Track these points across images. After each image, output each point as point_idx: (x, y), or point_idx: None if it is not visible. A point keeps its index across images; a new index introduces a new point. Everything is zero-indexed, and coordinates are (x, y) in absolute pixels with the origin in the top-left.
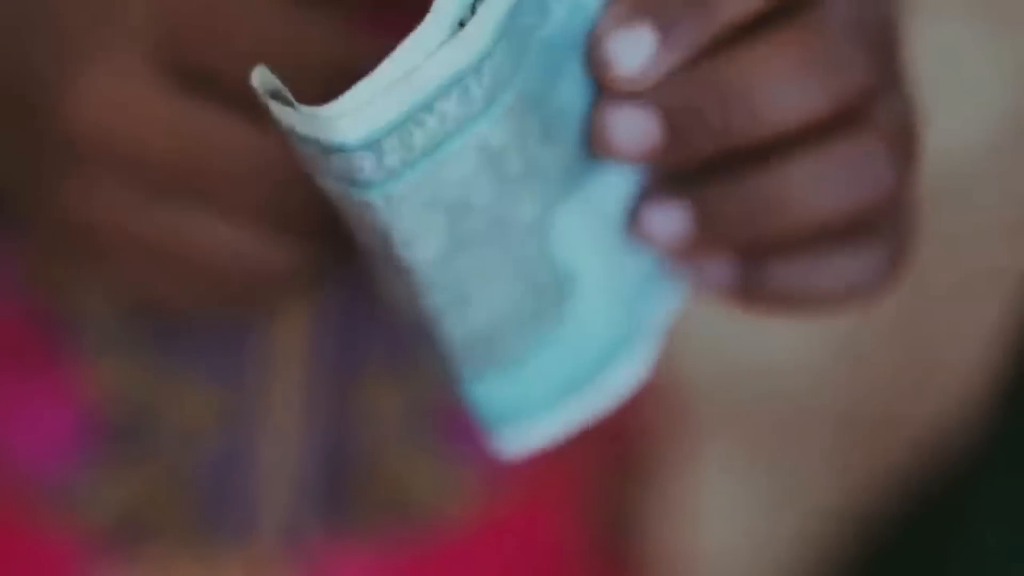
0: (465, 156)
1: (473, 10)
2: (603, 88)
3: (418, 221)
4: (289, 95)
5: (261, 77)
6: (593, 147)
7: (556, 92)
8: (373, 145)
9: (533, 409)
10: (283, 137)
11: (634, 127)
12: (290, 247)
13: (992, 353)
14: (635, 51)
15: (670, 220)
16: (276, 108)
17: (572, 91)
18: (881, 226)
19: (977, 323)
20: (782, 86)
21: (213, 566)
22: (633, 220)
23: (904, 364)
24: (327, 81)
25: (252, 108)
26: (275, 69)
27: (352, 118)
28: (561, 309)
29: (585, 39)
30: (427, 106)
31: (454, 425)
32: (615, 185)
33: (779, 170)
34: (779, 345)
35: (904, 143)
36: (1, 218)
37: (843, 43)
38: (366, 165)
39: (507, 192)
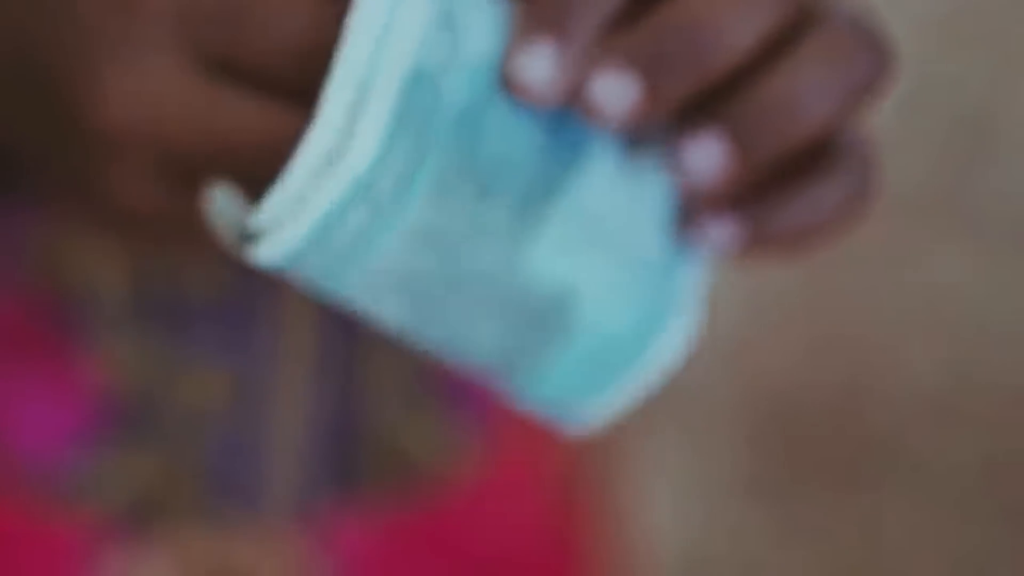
0: (396, 244)
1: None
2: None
3: (372, 302)
4: (234, 209)
5: (217, 198)
6: (586, 118)
7: (484, 147)
8: (295, 261)
9: (585, 396)
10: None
11: (614, 90)
12: None
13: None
14: (541, 69)
15: (711, 153)
16: (213, 219)
17: (504, 134)
18: (851, 152)
19: (879, 296)
20: (732, 8)
21: (225, 543)
22: (674, 169)
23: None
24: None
25: (277, 89)
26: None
27: (268, 245)
28: (567, 321)
29: (497, 87)
30: (338, 217)
31: (456, 388)
32: (592, 183)
33: (767, 84)
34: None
35: (866, 36)
36: (6, 205)
37: None
38: (297, 275)
39: (454, 256)
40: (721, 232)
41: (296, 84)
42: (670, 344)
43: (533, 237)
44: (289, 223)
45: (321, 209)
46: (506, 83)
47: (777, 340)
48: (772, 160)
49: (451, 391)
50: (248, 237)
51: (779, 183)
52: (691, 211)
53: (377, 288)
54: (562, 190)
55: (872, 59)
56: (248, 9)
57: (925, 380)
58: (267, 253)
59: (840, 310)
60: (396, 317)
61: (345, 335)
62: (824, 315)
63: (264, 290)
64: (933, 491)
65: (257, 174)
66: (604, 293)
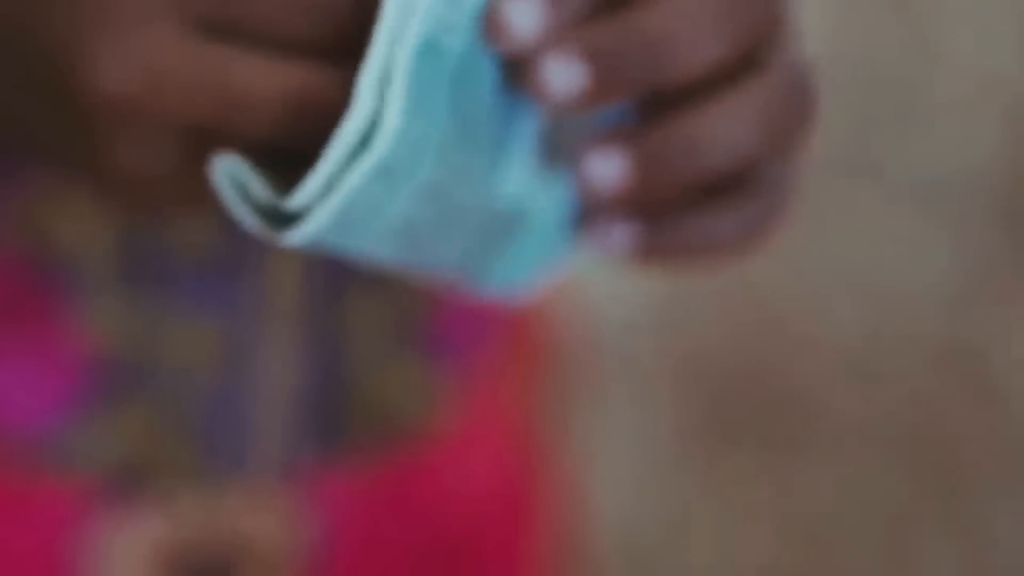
0: (403, 203)
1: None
2: (505, 54)
3: (368, 249)
4: (250, 185)
5: (224, 168)
6: (531, 94)
7: (471, 98)
8: (317, 239)
9: (524, 276)
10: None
11: (562, 75)
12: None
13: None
14: (526, 17)
15: (611, 168)
16: (232, 201)
17: (483, 82)
18: (767, 179)
19: (801, 260)
20: (694, 30)
21: (213, 502)
22: (581, 168)
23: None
24: (345, 28)
25: (278, 47)
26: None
27: (297, 231)
28: (520, 226)
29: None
30: (360, 194)
31: (436, 341)
32: (532, 120)
33: (695, 113)
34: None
35: (799, 92)
36: None
37: None
38: (315, 245)
39: (447, 201)
40: (616, 237)
41: (298, 38)
42: (572, 239)
43: (503, 171)
44: (318, 208)
45: (348, 191)
46: (489, 26)
47: (702, 304)
48: (674, 187)
49: (431, 344)
50: (271, 217)
51: (681, 202)
52: (592, 212)
53: (377, 238)
54: (517, 125)
55: (797, 114)
56: None
57: (846, 341)
58: (294, 237)
59: (763, 274)
60: (388, 255)
61: (329, 290)
62: (747, 279)
63: (248, 247)
64: (857, 450)
65: (264, 132)
66: (541, 203)
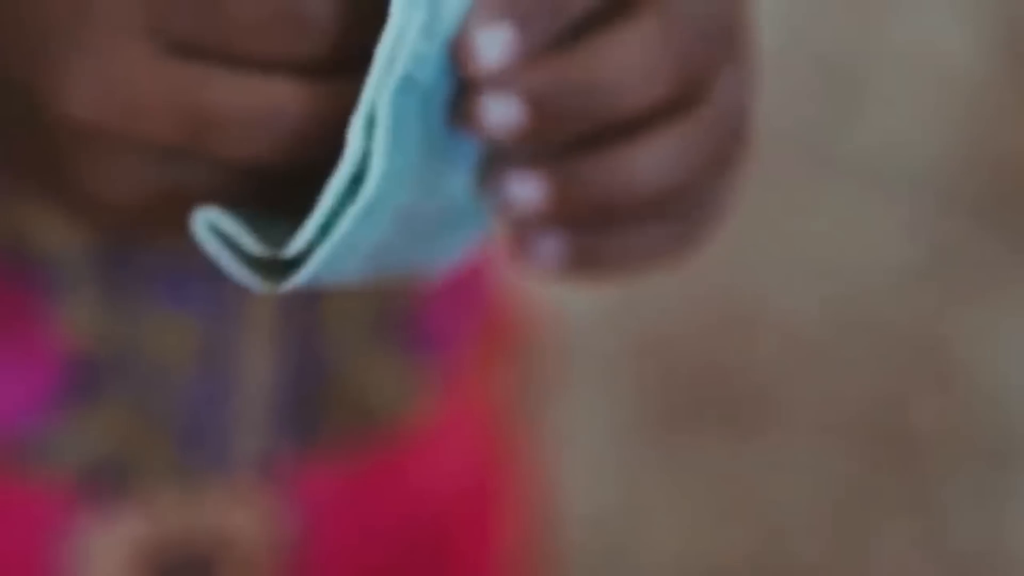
0: (379, 231)
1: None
2: (471, 79)
3: (343, 276)
4: (237, 237)
5: (206, 221)
6: (466, 128)
7: (436, 119)
8: (308, 280)
9: (452, 256)
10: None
11: (502, 111)
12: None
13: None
14: (495, 46)
15: (529, 189)
16: (218, 254)
17: (442, 101)
18: (696, 201)
19: (755, 243)
20: (638, 76)
21: (194, 499)
22: (492, 185)
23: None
24: (321, 38)
25: (249, 64)
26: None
27: (290, 282)
28: (458, 214)
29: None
30: (350, 235)
31: (413, 333)
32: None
33: (628, 148)
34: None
35: (736, 126)
36: None
37: (681, 35)
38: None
39: (414, 219)
40: (548, 249)
41: (274, 55)
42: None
43: (452, 174)
44: (313, 256)
45: (340, 235)
46: (459, 52)
47: (656, 289)
48: (597, 212)
49: (409, 338)
50: (261, 267)
51: (606, 223)
52: (517, 228)
53: (352, 267)
54: (453, 137)
55: (725, 154)
56: None
57: (802, 325)
58: (287, 286)
59: (717, 257)
60: (357, 276)
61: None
62: (702, 263)
63: None
64: (815, 435)
65: (242, 152)
66: (464, 201)
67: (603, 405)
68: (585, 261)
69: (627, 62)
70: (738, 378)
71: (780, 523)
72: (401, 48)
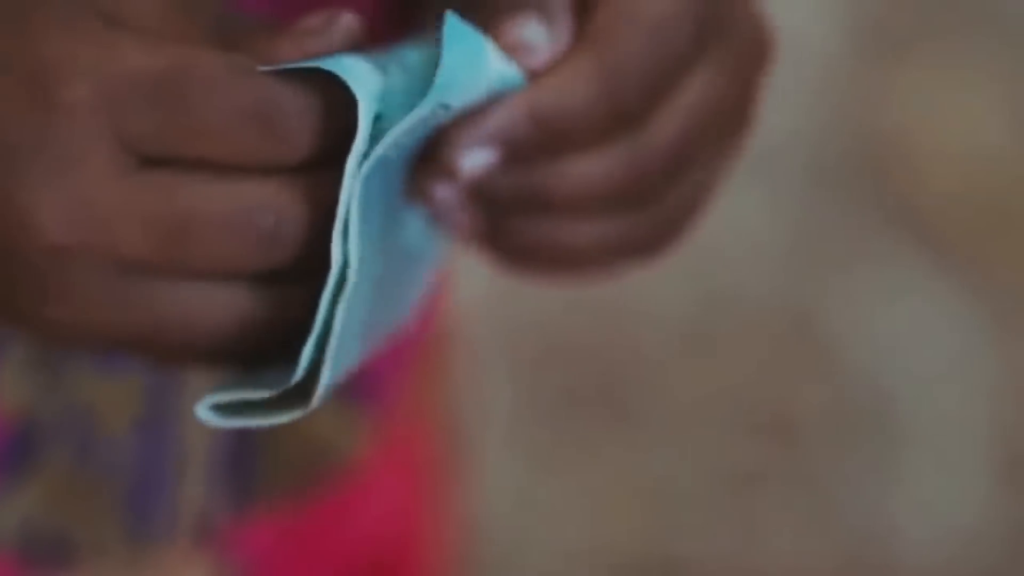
0: (368, 303)
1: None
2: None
3: (348, 362)
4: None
5: (207, 415)
6: (419, 202)
7: (394, 190)
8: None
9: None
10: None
11: (454, 196)
12: (275, 295)
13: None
14: (479, 160)
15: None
16: (242, 423)
17: (399, 173)
18: (656, 198)
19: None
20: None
21: (139, 565)
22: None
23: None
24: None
25: (220, 168)
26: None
27: (316, 399)
28: (416, 258)
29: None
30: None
31: (356, 379)
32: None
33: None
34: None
35: (722, 115)
36: None
37: (620, 80)
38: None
39: (381, 281)
40: (459, 220)
41: (244, 155)
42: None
43: (408, 224)
44: (323, 365)
45: (336, 336)
46: (440, 165)
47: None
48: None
49: (351, 384)
50: (277, 404)
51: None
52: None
53: (351, 349)
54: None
55: (692, 151)
56: (173, 94)
57: (680, 310)
58: (316, 401)
59: None
60: (357, 354)
61: None
62: None
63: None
64: (699, 417)
65: (216, 257)
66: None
67: (484, 398)
68: (510, 243)
69: (591, 180)
70: (621, 366)
71: (673, 506)
72: (371, 153)
